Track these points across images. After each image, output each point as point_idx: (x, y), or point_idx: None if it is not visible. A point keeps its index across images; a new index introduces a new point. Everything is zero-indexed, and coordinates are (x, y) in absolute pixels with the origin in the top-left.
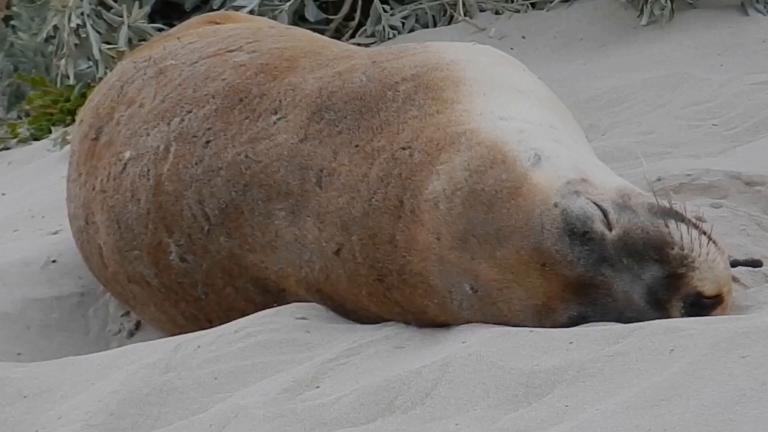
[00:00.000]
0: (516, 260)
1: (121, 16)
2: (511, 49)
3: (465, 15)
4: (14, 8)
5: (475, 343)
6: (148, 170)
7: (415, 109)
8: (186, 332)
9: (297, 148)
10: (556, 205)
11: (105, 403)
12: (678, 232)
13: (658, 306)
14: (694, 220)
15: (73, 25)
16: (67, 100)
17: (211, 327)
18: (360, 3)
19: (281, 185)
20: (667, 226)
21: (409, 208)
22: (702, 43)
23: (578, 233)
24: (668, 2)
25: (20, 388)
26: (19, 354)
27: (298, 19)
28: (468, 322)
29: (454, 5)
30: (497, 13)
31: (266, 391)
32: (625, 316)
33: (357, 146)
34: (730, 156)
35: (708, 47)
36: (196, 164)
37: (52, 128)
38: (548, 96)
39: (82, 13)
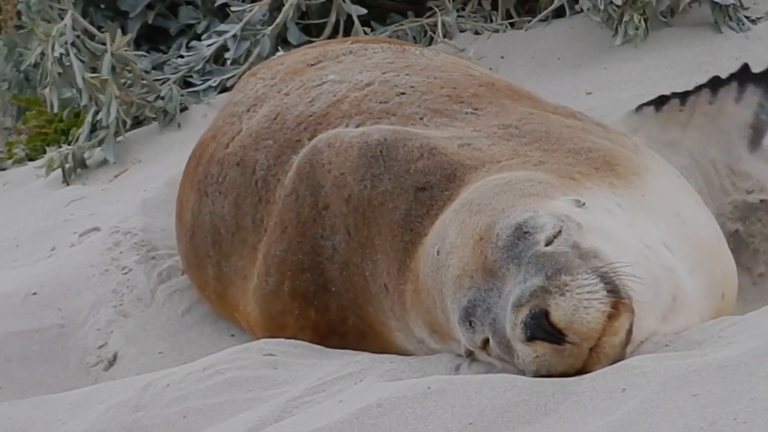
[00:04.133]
0: (471, 229)
1: (105, 44)
2: (490, 68)
3: (445, 36)
4: (23, 18)
5: (436, 382)
6: (339, 90)
7: (578, 159)
8: None
9: (466, 134)
10: (536, 211)
11: None
12: (585, 273)
13: (515, 307)
14: (613, 285)
15: (56, 54)
16: (61, 120)
17: None
18: (342, 25)
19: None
20: (581, 266)
21: None
22: (676, 62)
23: (522, 230)
24: (642, 21)
25: None
26: None
27: (281, 42)
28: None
29: (435, 26)
30: (477, 33)
31: (233, 429)
32: (497, 316)
33: (515, 150)
34: None
35: (682, 65)
36: (379, 102)
37: (47, 148)
38: (697, 235)
39: (66, 42)
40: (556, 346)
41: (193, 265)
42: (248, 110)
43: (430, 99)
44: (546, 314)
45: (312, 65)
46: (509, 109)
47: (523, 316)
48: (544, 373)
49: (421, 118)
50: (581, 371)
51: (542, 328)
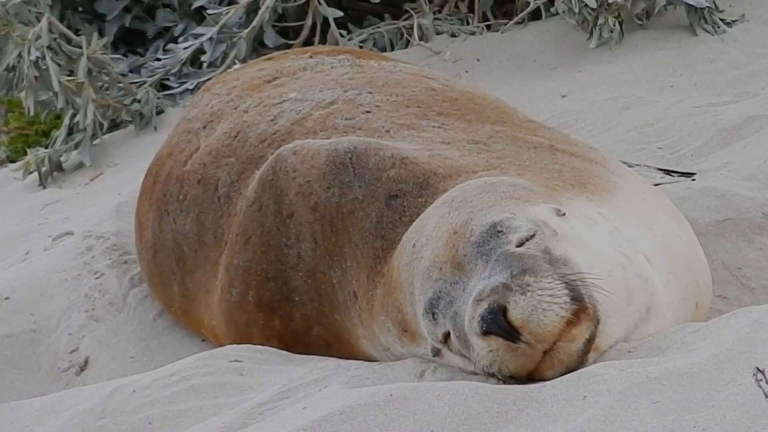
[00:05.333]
0: (447, 223)
1: (81, 47)
2: (466, 71)
3: (421, 39)
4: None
5: (398, 389)
6: (302, 109)
7: (551, 176)
8: None
9: (435, 146)
10: (513, 213)
11: None
12: (550, 277)
13: (476, 301)
14: (578, 294)
15: (32, 57)
16: (42, 122)
17: None
18: (319, 27)
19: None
20: (548, 271)
21: None
22: (651, 64)
23: (496, 229)
24: (617, 24)
25: None
26: None
27: (258, 44)
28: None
29: (411, 28)
30: (453, 35)
31: None
32: (458, 310)
33: (489, 162)
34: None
35: (657, 68)
36: (345, 119)
37: (28, 150)
38: (670, 247)
39: (42, 46)
40: (510, 343)
41: (157, 283)
42: (204, 127)
43: (396, 116)
44: (504, 311)
45: (269, 82)
46: (476, 126)
47: (482, 310)
48: (496, 370)
49: (388, 131)
50: (536, 376)
51: (498, 323)
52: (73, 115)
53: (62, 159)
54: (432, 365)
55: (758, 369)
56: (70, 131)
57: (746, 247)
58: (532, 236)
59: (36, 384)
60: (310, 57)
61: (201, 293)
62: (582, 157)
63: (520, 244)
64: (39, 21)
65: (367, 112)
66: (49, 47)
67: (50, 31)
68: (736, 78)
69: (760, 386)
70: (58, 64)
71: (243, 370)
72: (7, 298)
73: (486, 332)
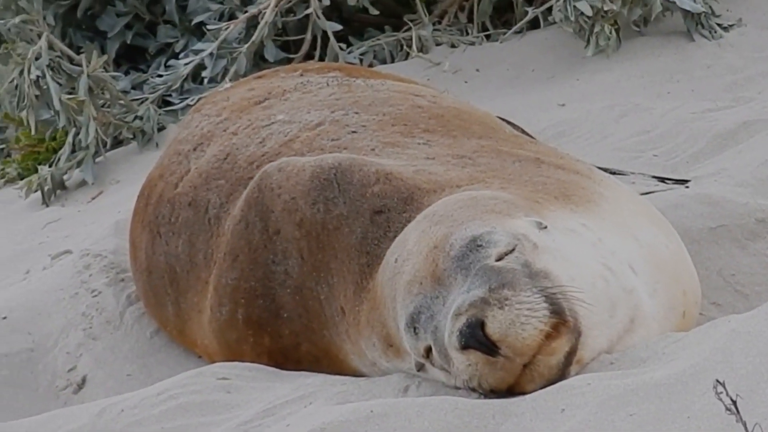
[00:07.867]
0: (428, 238)
1: (81, 66)
2: (465, 82)
3: (421, 50)
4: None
5: (379, 406)
6: (290, 131)
7: (536, 189)
8: None
9: (420, 162)
10: (493, 227)
11: None
12: (529, 291)
13: (455, 315)
14: (558, 307)
15: (32, 76)
16: (54, 138)
17: None
18: (319, 41)
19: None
20: (527, 284)
21: None
22: (648, 71)
23: (476, 243)
24: (613, 32)
25: None
26: None
27: (259, 59)
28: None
29: (411, 40)
30: (453, 46)
31: None
32: (438, 324)
33: (473, 176)
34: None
35: (654, 75)
36: (332, 140)
37: (39, 168)
38: (656, 257)
39: (42, 65)
40: (489, 357)
41: (152, 303)
42: (195, 149)
43: (382, 135)
44: (482, 325)
45: (258, 103)
46: (461, 142)
47: (460, 324)
48: (475, 384)
49: (373, 149)
50: (517, 390)
51: (476, 337)
52: (76, 134)
53: (65, 177)
54: (416, 380)
55: (718, 381)
56: (73, 149)
57: (739, 254)
58: (512, 250)
59: (34, 403)
60: (300, 75)
61: (194, 313)
62: (568, 169)
63: (499, 258)
64: (39, 38)
65: (353, 132)
66: (50, 66)
67: (51, 49)
68: (734, 83)
69: (720, 399)
70: (59, 83)
71: (230, 387)
72: (5, 318)
73: (464, 346)
